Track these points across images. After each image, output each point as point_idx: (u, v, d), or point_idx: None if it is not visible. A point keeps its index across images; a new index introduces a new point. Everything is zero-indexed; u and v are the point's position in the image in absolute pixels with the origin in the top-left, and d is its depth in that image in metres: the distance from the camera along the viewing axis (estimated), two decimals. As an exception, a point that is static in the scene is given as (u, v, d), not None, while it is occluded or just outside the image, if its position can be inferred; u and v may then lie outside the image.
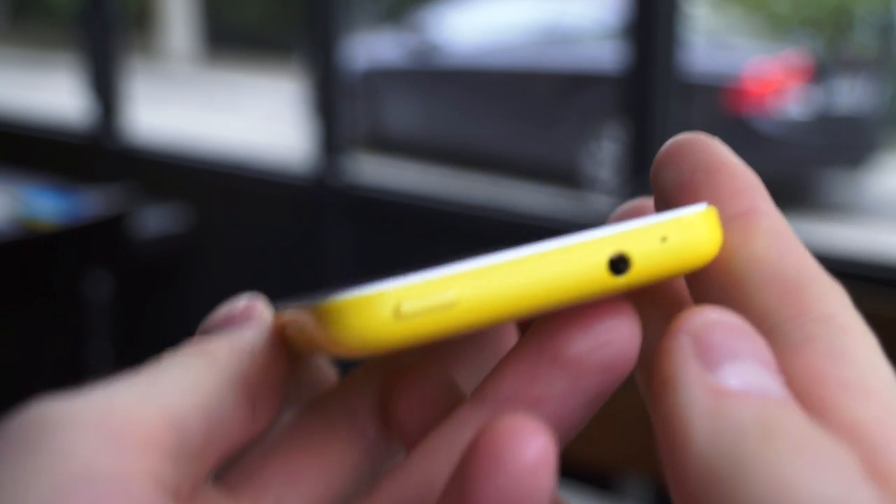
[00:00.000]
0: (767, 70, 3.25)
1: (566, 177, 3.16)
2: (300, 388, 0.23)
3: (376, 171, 2.58)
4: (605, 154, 3.06)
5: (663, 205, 0.20)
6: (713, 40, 3.59)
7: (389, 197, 1.88)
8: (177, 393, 0.18)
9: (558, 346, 0.18)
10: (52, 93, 3.81)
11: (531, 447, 0.16)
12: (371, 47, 3.89)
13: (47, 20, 8.09)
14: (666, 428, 0.15)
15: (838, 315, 0.17)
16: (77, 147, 2.45)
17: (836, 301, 0.17)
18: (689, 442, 0.15)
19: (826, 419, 0.15)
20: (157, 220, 2.00)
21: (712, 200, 0.19)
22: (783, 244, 0.18)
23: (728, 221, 0.18)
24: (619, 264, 0.18)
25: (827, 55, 3.97)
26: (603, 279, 0.17)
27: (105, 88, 2.37)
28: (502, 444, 0.16)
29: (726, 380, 0.15)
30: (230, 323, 0.21)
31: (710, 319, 0.16)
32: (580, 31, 3.65)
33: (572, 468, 1.13)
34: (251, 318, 0.21)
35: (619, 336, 0.18)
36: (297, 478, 0.20)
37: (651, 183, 0.21)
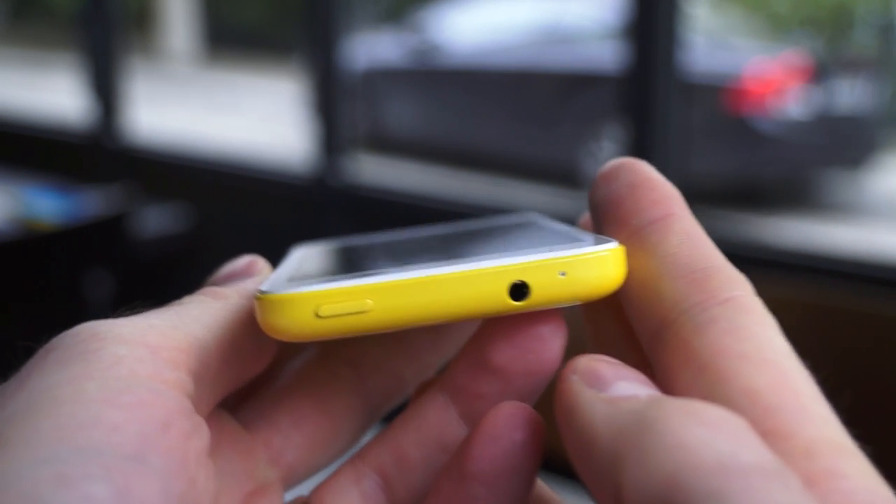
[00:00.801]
0: (767, 70, 3.26)
1: (566, 177, 3.16)
2: None
3: (376, 171, 2.58)
4: (605, 154, 3.06)
5: (595, 219, 0.23)
6: (713, 40, 3.59)
7: (389, 197, 1.88)
8: (198, 325, 0.21)
9: (487, 354, 0.21)
10: (52, 93, 3.81)
11: (522, 431, 0.19)
12: (371, 47, 3.89)
13: (47, 20, 8.09)
14: (576, 440, 0.18)
15: (739, 298, 0.19)
16: (77, 147, 2.45)
17: (737, 286, 0.19)
18: (598, 438, 0.17)
19: (727, 386, 0.17)
20: (157, 220, 2.00)
21: (634, 210, 0.21)
22: (693, 242, 0.20)
23: (647, 225, 0.21)
24: (518, 291, 0.20)
25: (827, 55, 3.97)
26: (503, 303, 0.20)
27: (105, 88, 2.37)
28: (499, 423, 0.19)
29: (617, 392, 0.18)
30: (234, 277, 0.24)
31: (596, 359, 0.19)
32: (580, 31, 3.65)
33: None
34: (253, 272, 0.24)
35: (542, 345, 0.21)
36: (302, 420, 0.23)
37: (588, 201, 0.23)
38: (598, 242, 0.20)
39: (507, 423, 0.19)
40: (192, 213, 2.07)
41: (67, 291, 1.71)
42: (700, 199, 3.06)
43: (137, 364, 0.19)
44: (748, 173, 3.29)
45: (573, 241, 0.20)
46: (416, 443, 0.22)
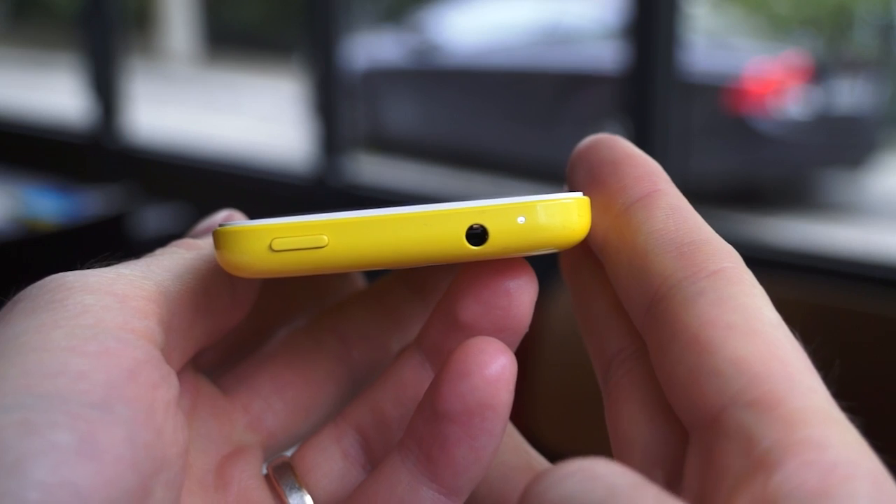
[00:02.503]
0: (767, 70, 3.25)
1: (566, 177, 3.15)
2: (322, 299, 0.26)
3: (376, 171, 2.58)
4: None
5: None
6: (713, 40, 3.58)
7: (389, 197, 1.88)
8: (169, 274, 0.21)
9: (456, 311, 0.21)
10: (52, 93, 3.81)
11: (493, 364, 0.19)
12: (371, 47, 3.88)
13: (47, 20, 8.09)
14: None
15: (727, 269, 0.19)
16: (77, 147, 2.45)
17: (725, 258, 0.19)
18: None
19: (714, 356, 0.17)
20: (157, 220, 2.00)
21: (618, 188, 0.21)
22: (680, 216, 0.20)
23: (633, 203, 0.20)
24: (476, 235, 0.19)
25: (827, 55, 3.96)
26: (461, 247, 0.19)
27: (105, 88, 2.37)
28: (468, 359, 0.19)
29: None
30: (211, 230, 0.24)
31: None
32: (580, 31, 3.65)
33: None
34: None
35: (509, 300, 0.20)
36: (284, 386, 0.23)
37: (566, 181, 0.23)
38: (563, 193, 0.20)
39: (476, 358, 0.19)
40: (192, 213, 2.06)
41: (67, 291, 1.71)
42: (700, 199, 3.05)
43: (105, 313, 0.18)
44: (748, 173, 3.29)
45: (532, 196, 0.20)
46: (394, 401, 0.22)
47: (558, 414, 1.16)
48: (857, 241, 2.58)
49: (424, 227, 0.19)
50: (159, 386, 0.18)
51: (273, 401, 0.23)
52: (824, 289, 1.17)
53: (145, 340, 0.19)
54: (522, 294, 0.21)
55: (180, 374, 0.21)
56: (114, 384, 0.17)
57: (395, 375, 0.22)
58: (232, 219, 0.24)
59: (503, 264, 0.20)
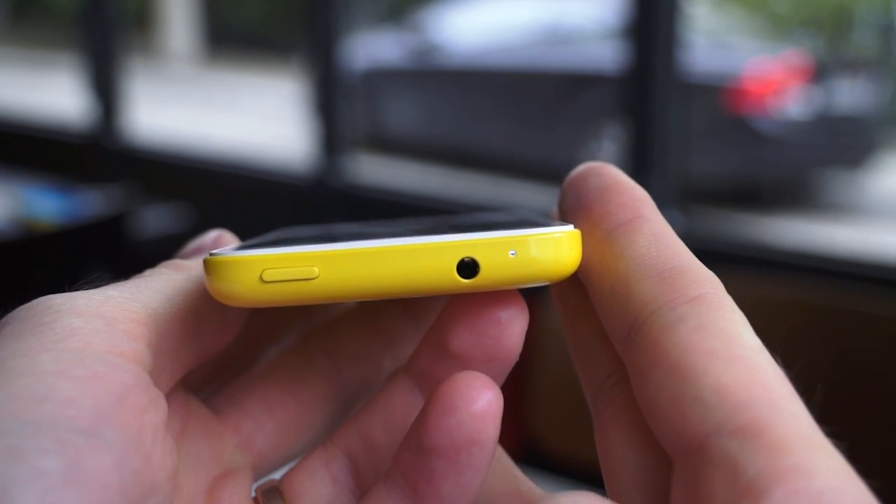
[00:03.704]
0: (767, 70, 3.25)
1: (566, 177, 3.15)
2: (311, 319, 0.25)
3: (376, 171, 2.58)
4: (605, 154, 3.06)
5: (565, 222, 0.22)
6: (713, 40, 3.58)
7: (389, 197, 1.88)
8: (158, 296, 0.21)
9: (446, 340, 0.21)
10: (52, 93, 3.81)
11: (479, 399, 0.19)
12: (371, 47, 3.89)
13: (47, 20, 8.09)
14: None
15: (707, 295, 0.19)
16: (77, 147, 2.45)
17: (705, 284, 0.19)
18: None
19: (696, 384, 0.17)
20: (157, 220, 2.00)
21: (603, 214, 0.21)
22: (661, 242, 0.20)
23: (615, 228, 0.21)
24: (468, 269, 0.19)
25: (827, 55, 3.97)
26: (452, 280, 0.19)
27: (105, 88, 2.37)
28: (455, 394, 0.19)
29: None
30: (201, 251, 0.24)
31: None
32: (580, 31, 3.65)
33: (573, 467, 1.13)
34: (220, 246, 0.24)
35: (500, 330, 0.20)
36: (274, 406, 0.23)
37: (557, 207, 0.23)
38: (554, 225, 0.20)
39: (463, 394, 0.19)
40: (192, 213, 2.07)
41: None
42: (700, 199, 3.06)
43: (92, 336, 0.18)
44: (748, 173, 3.29)
45: (531, 224, 0.20)
46: (383, 427, 0.22)
47: (558, 418, 1.16)
48: (857, 241, 2.58)
49: (415, 261, 0.19)
50: (148, 410, 0.18)
51: (263, 421, 0.23)
52: (824, 289, 1.17)
53: (134, 364, 0.18)
54: (513, 324, 0.20)
55: (170, 394, 0.21)
56: (102, 409, 0.17)
57: (384, 401, 0.22)
58: (221, 241, 0.24)
59: (494, 294, 0.20)
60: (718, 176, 3.12)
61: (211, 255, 0.19)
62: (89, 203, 1.80)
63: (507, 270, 0.19)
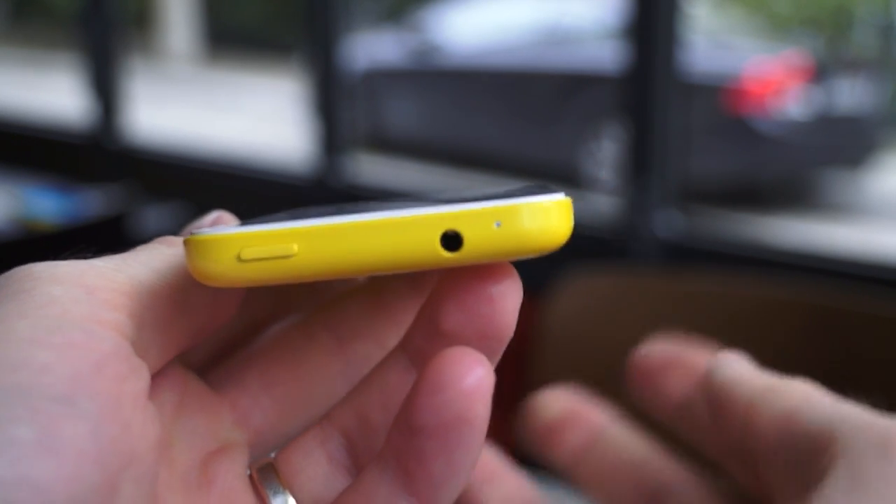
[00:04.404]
0: (767, 70, 3.25)
1: (566, 177, 3.16)
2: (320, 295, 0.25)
3: (376, 171, 2.58)
4: (605, 154, 3.06)
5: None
6: (713, 40, 3.58)
7: (389, 197, 1.88)
8: (144, 269, 0.20)
9: (438, 318, 0.20)
10: (52, 93, 3.81)
11: (468, 376, 0.18)
12: (371, 47, 3.88)
13: (47, 20, 8.09)
14: None
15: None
16: (77, 147, 2.45)
17: None
18: None
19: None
20: (157, 220, 2.00)
21: None
22: None
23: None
24: (451, 241, 0.18)
25: (827, 55, 3.96)
26: (435, 253, 0.18)
27: (105, 88, 2.37)
28: (443, 371, 0.18)
29: None
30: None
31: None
32: (580, 31, 3.65)
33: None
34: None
35: (492, 307, 0.20)
36: (272, 383, 0.22)
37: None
38: (544, 193, 0.19)
39: (451, 370, 0.18)
40: (192, 213, 2.06)
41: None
42: (700, 199, 3.06)
43: (72, 304, 0.18)
44: (748, 173, 3.29)
45: (521, 194, 0.19)
46: (379, 406, 0.21)
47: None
48: (857, 241, 2.58)
49: (396, 234, 0.18)
50: (127, 378, 0.18)
51: (261, 398, 0.22)
52: (824, 289, 1.17)
53: (113, 332, 0.18)
54: (506, 300, 0.20)
55: (166, 369, 0.21)
56: (78, 377, 0.17)
57: (380, 379, 0.22)
58: (220, 222, 0.23)
59: (485, 269, 0.20)
60: (718, 176, 3.12)
61: (191, 233, 0.19)
62: (89, 203, 1.80)
63: (492, 242, 0.18)
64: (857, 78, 3.32)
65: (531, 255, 0.19)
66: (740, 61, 3.36)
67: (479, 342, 0.20)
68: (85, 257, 0.20)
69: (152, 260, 0.21)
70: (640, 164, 1.43)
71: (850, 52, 4.10)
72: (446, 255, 0.18)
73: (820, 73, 3.31)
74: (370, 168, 2.30)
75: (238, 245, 0.18)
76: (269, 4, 7.76)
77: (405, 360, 0.21)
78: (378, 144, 3.83)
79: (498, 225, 0.18)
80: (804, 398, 0.23)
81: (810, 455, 0.22)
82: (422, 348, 0.21)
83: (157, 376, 0.20)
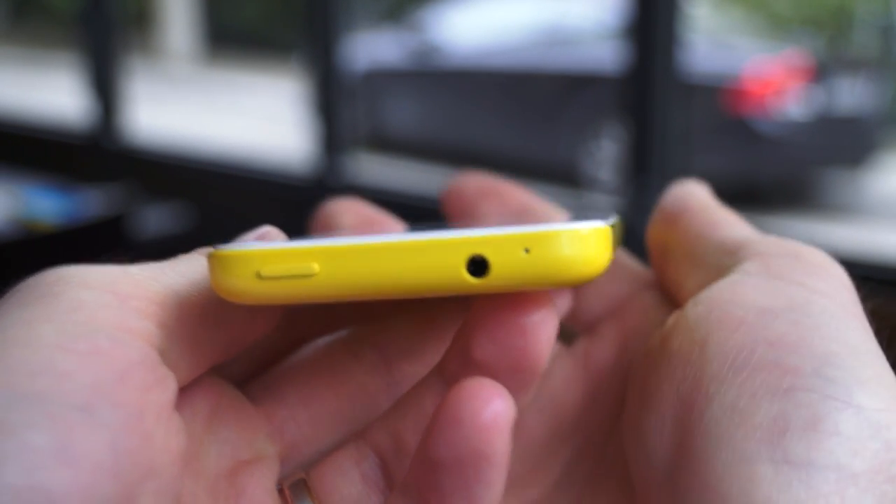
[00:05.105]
0: (767, 70, 3.25)
1: (566, 177, 3.16)
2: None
3: (376, 171, 2.58)
4: (605, 154, 3.06)
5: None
6: (713, 40, 3.58)
7: (389, 197, 1.88)
8: (181, 279, 0.20)
9: (470, 348, 0.20)
10: (52, 93, 3.81)
11: (485, 411, 0.17)
12: (371, 47, 3.88)
13: (47, 20, 8.09)
14: None
15: None
16: (77, 147, 2.45)
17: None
18: None
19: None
20: (157, 220, 2.00)
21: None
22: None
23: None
24: (478, 266, 0.17)
25: (827, 55, 3.96)
26: (460, 279, 0.17)
27: (105, 88, 2.37)
28: (461, 404, 0.17)
29: None
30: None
31: None
32: (580, 31, 3.65)
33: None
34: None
35: (524, 339, 0.19)
36: (311, 395, 0.22)
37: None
38: (587, 219, 0.18)
39: (468, 404, 0.17)
40: (192, 213, 2.07)
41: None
42: (700, 199, 3.06)
43: (100, 310, 0.18)
44: (748, 173, 3.29)
45: (564, 220, 0.19)
46: (414, 429, 0.21)
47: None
48: (857, 241, 2.58)
49: (420, 257, 0.17)
50: (152, 389, 0.17)
51: (297, 410, 0.22)
52: (824, 289, 1.17)
53: (141, 341, 0.18)
54: (539, 332, 0.19)
55: (201, 379, 0.20)
56: (100, 385, 0.16)
57: (416, 401, 0.21)
58: (267, 237, 0.23)
59: (519, 297, 0.19)
60: (718, 176, 3.10)
61: (214, 248, 0.18)
62: (89, 203, 1.80)
63: (521, 270, 0.17)
64: (857, 78, 3.32)
65: (565, 285, 0.18)
66: (740, 61, 3.36)
67: (510, 374, 0.19)
68: (121, 263, 0.20)
69: (190, 270, 0.20)
70: (640, 164, 1.43)
71: (850, 52, 4.10)
72: (472, 280, 0.17)
73: (820, 73, 3.31)
74: (370, 168, 2.30)
75: (258, 262, 0.18)
76: (269, 4, 7.76)
77: (441, 383, 0.21)
78: (378, 144, 3.83)
79: (527, 252, 0.17)
80: (726, 218, 0.24)
81: (719, 254, 0.22)
82: (456, 374, 0.20)
83: (190, 385, 0.20)
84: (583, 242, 0.17)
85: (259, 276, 0.18)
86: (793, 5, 4.65)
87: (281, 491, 0.21)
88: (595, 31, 3.55)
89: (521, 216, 0.27)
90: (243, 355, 0.22)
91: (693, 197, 0.26)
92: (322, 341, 0.23)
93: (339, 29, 1.90)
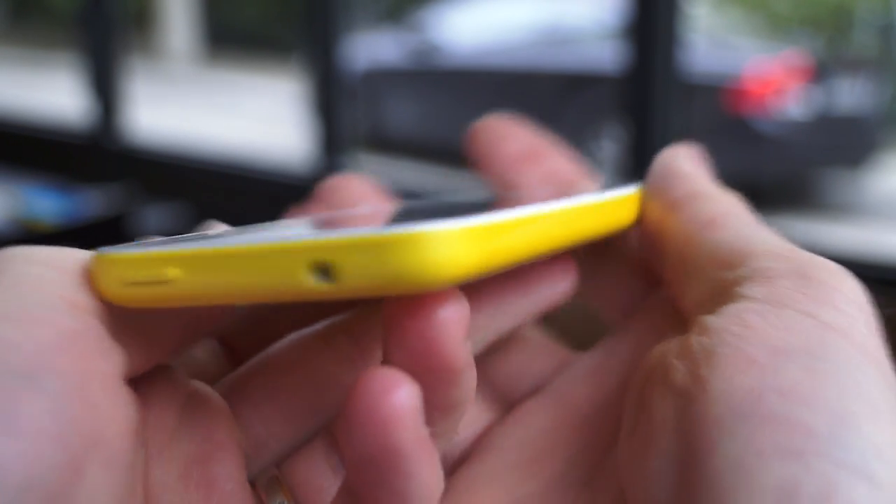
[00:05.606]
0: (767, 70, 3.25)
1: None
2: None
3: (376, 171, 2.58)
4: (605, 154, 3.06)
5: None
6: (713, 40, 3.58)
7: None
8: None
9: (386, 353, 0.18)
10: (52, 93, 3.81)
11: (385, 403, 0.16)
12: (371, 47, 3.89)
13: (47, 20, 8.09)
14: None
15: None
16: (77, 147, 2.45)
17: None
18: None
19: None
20: (157, 220, 2.00)
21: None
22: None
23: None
24: (323, 272, 0.16)
25: (827, 55, 3.97)
26: (307, 286, 0.16)
27: (105, 88, 2.37)
28: (359, 402, 0.16)
29: None
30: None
31: None
32: (580, 31, 3.65)
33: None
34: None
35: (428, 344, 0.17)
36: (276, 389, 0.21)
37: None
38: (463, 217, 0.16)
39: (367, 400, 0.16)
40: (192, 213, 2.07)
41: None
42: (700, 199, 3.06)
43: (45, 284, 0.18)
44: (748, 173, 3.29)
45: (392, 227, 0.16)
46: None
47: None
48: (857, 241, 2.58)
49: (263, 264, 0.16)
50: (96, 359, 0.17)
51: (264, 406, 0.21)
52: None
53: (84, 312, 0.18)
54: (442, 333, 0.17)
55: (170, 376, 0.20)
56: (42, 353, 0.16)
57: None
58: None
59: (416, 297, 0.17)
60: (718, 176, 3.10)
61: (98, 250, 0.18)
62: (89, 203, 1.80)
63: (368, 276, 0.16)
64: (857, 78, 3.32)
65: (425, 290, 0.16)
66: (740, 61, 3.36)
67: (427, 374, 0.18)
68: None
69: None
70: (640, 164, 1.43)
71: (850, 52, 4.10)
72: (321, 287, 0.16)
73: (820, 73, 3.31)
74: (370, 168, 2.30)
75: (120, 267, 0.18)
76: (269, 4, 7.77)
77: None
78: (378, 144, 3.83)
79: (373, 256, 0.16)
80: (725, 211, 0.23)
81: (717, 267, 0.20)
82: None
83: (159, 382, 0.20)
84: (431, 246, 0.16)
85: (124, 282, 0.17)
86: (793, 5, 4.65)
87: (253, 485, 0.21)
88: (595, 31, 3.55)
89: (560, 186, 0.26)
90: (223, 352, 0.22)
91: (679, 178, 0.25)
92: (297, 333, 0.23)
93: (339, 29, 1.90)
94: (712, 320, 0.19)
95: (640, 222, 0.24)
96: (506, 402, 0.25)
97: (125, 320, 0.19)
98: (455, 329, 0.17)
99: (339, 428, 0.18)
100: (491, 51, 3.77)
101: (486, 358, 0.25)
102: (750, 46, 3.83)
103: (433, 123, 3.87)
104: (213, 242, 0.17)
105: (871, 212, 3.45)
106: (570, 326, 0.27)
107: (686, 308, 0.21)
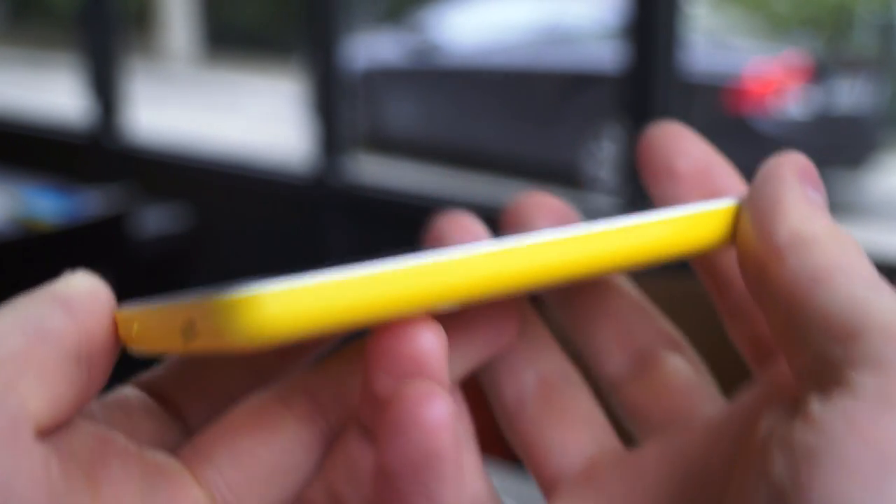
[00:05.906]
0: (767, 70, 3.26)
1: (566, 177, 3.16)
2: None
3: (376, 171, 2.58)
4: (605, 154, 3.06)
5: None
6: (713, 40, 3.59)
7: (389, 197, 1.88)
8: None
9: (372, 388, 0.19)
10: (52, 93, 3.81)
11: (427, 411, 0.17)
12: (371, 47, 3.89)
13: (47, 20, 8.09)
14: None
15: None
16: (77, 147, 2.45)
17: None
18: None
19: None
20: (157, 220, 2.00)
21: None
22: None
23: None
24: (188, 331, 0.17)
25: (827, 55, 3.97)
26: (179, 343, 0.18)
27: (105, 88, 2.37)
28: (402, 413, 0.17)
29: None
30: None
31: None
32: (580, 31, 3.65)
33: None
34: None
35: (415, 367, 0.18)
36: (240, 453, 0.21)
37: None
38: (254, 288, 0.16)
39: (409, 410, 0.17)
40: (192, 213, 2.07)
41: (67, 291, 1.70)
42: (700, 199, 3.06)
43: None
44: (748, 173, 3.28)
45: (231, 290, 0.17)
46: (347, 479, 0.21)
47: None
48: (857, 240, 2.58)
49: (160, 320, 0.18)
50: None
51: (227, 469, 0.21)
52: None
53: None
54: (428, 355, 0.18)
55: (117, 446, 0.20)
56: None
57: (342, 452, 0.21)
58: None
59: (398, 325, 0.18)
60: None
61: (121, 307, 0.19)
62: (89, 203, 1.80)
63: (212, 336, 0.17)
64: (857, 78, 3.32)
65: (246, 350, 0.17)
66: (740, 61, 3.36)
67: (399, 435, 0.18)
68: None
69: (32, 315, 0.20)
70: (640, 164, 1.43)
71: (850, 52, 4.10)
72: (187, 344, 0.17)
73: (820, 73, 3.31)
74: (370, 168, 2.30)
75: (131, 321, 0.19)
76: (269, 4, 7.77)
77: (360, 428, 0.21)
78: (378, 144, 3.83)
79: (214, 317, 0.16)
80: (837, 264, 0.20)
81: (825, 337, 0.19)
82: (370, 417, 0.20)
83: (111, 458, 0.20)
84: (251, 309, 0.16)
85: (130, 336, 0.19)
86: (793, 5, 4.65)
87: None
88: (595, 31, 3.55)
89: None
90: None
91: (783, 209, 0.22)
92: (255, 396, 0.22)
93: (339, 29, 1.90)
94: (819, 410, 0.17)
95: (738, 255, 0.22)
96: (635, 427, 0.24)
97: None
98: (436, 352, 0.18)
99: (378, 444, 0.18)
100: (491, 51, 3.77)
101: (624, 376, 0.24)
102: (750, 46, 3.83)
103: (433, 123, 3.87)
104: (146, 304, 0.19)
105: (871, 212, 3.45)
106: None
107: (794, 370, 0.19)
